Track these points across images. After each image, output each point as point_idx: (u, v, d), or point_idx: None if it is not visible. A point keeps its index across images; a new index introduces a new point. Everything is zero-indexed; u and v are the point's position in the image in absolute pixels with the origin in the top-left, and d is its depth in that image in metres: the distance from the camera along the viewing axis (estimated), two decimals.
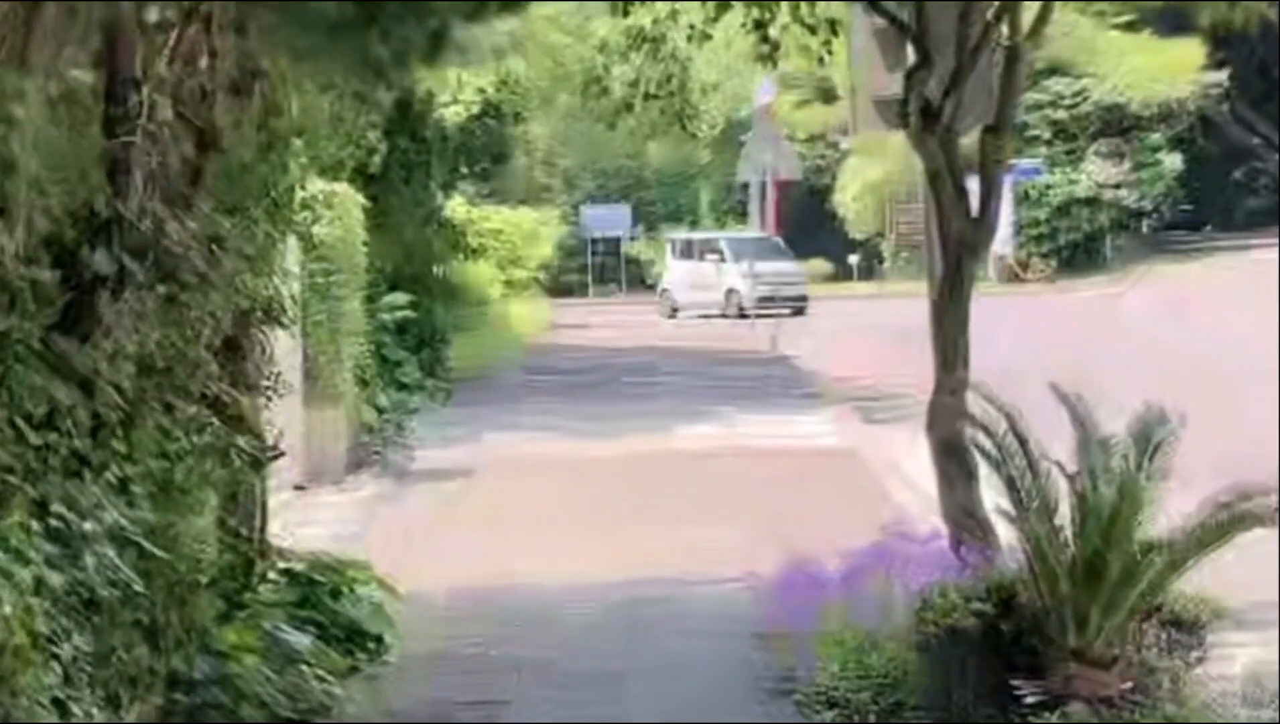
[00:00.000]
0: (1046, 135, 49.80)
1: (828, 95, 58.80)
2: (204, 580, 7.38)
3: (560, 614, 10.07)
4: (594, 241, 51.69)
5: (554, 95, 20.58)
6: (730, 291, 39.85)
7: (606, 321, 37.42)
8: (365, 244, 17.05)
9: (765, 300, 36.94)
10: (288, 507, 14.53)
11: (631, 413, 19.69)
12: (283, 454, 9.12)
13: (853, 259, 53.59)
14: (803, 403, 20.70)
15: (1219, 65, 50.50)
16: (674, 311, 40.95)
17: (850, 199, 54.82)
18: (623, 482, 15.48)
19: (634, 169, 56.36)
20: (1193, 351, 21.70)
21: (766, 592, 9.05)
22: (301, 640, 7.66)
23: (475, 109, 21.31)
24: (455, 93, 21.50)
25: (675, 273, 43.04)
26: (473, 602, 10.34)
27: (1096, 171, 49.23)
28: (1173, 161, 50.77)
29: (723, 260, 41.18)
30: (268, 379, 9.13)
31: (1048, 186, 49.46)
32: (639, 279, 52.86)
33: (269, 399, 9.14)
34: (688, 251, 43.84)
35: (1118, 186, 49.70)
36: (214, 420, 8.08)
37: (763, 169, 19.63)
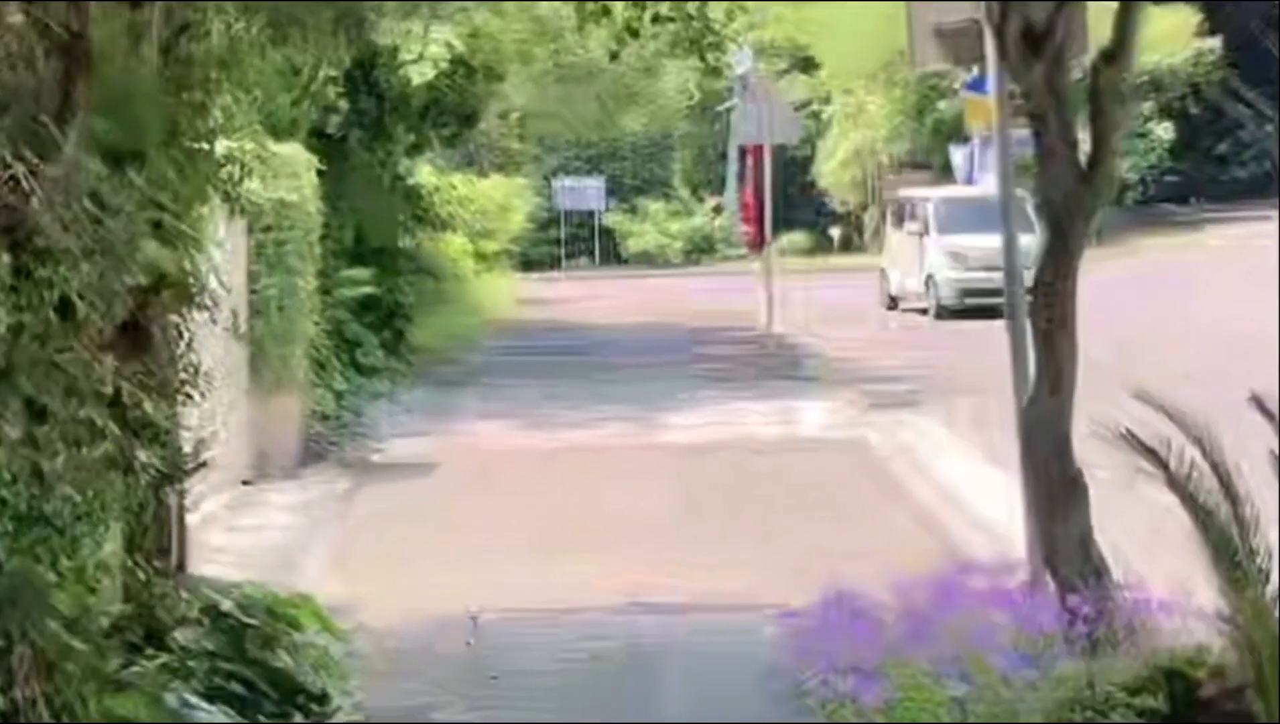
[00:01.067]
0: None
1: (807, 64, 57.29)
2: (82, 638, 5.67)
3: (541, 659, 8.35)
4: (567, 213, 49.96)
5: (530, 51, 18.75)
6: (929, 279, 27.79)
7: (580, 295, 35.69)
8: (321, 212, 15.29)
9: (971, 293, 24.67)
10: (229, 509, 12.84)
11: (613, 397, 17.97)
12: (203, 466, 7.36)
13: (834, 231, 52.13)
14: (801, 386, 18.98)
15: (1210, 33, 48.98)
16: (892, 302, 29.43)
17: (832, 169, 53.30)
18: (606, 481, 13.77)
19: (607, 139, 54.65)
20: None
21: (803, 633, 7.31)
22: (214, 718, 5.93)
23: (443, 65, 19.48)
24: (421, 47, 19.68)
25: (893, 247, 31.43)
26: (438, 638, 8.60)
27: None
28: (1164, 131, 49.19)
29: (924, 232, 29.11)
30: (185, 372, 7.37)
31: (1036, 156, 47.72)
32: (613, 251, 51.18)
33: (188, 397, 7.39)
34: (905, 215, 31.62)
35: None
36: (110, 427, 6.39)
37: (760, 131, 17.94)
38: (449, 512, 12.73)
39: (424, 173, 24.78)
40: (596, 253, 50.75)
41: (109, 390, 6.39)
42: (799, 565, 9.32)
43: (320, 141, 17.43)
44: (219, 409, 14.24)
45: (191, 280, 6.82)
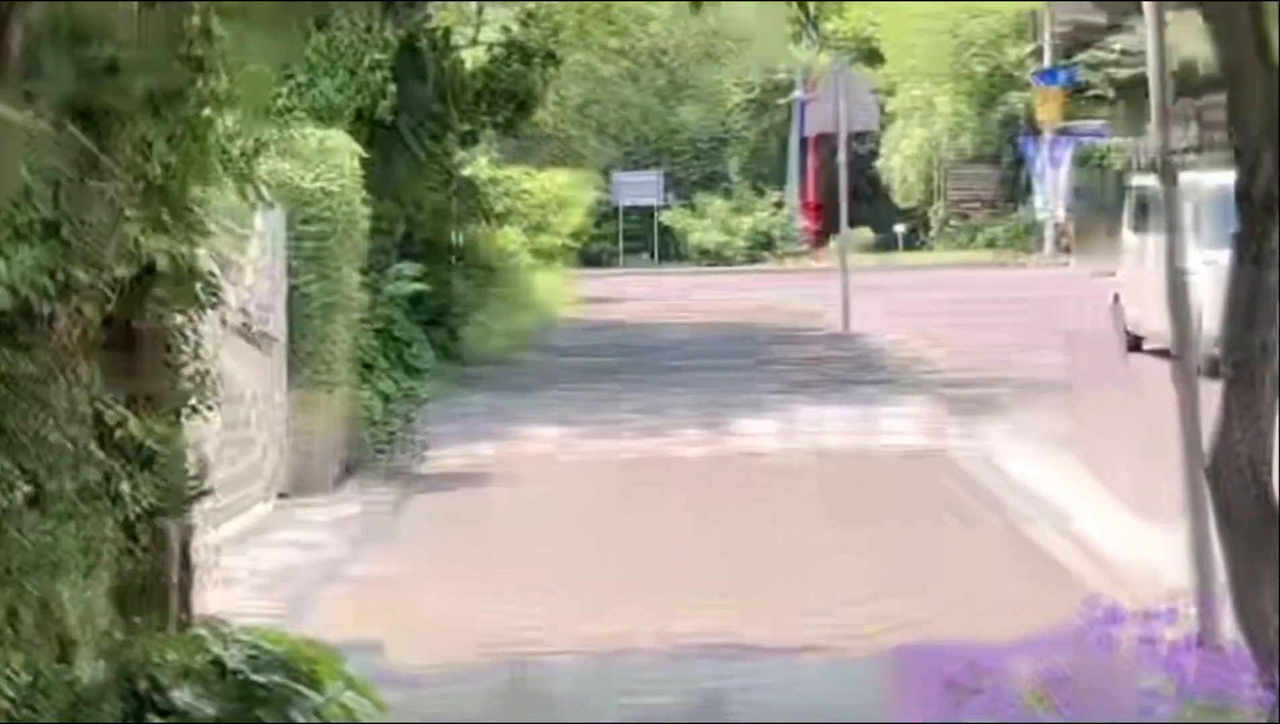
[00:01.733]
0: (1110, 95, 46.71)
1: (871, 56, 55.96)
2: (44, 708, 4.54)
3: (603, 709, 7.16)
4: (625, 209, 48.86)
5: (589, 32, 17.58)
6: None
7: (641, 293, 34.54)
8: (366, 203, 14.16)
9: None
10: (259, 529, 11.72)
11: (678, 404, 16.78)
12: (205, 494, 6.20)
13: (899, 229, 50.93)
14: (877, 391, 17.74)
15: None
16: (1134, 342, 19.96)
17: (895, 165, 52.04)
18: (671, 496, 12.58)
19: (666, 131, 53.50)
20: None
21: (919, 692, 6.07)
22: None
23: (498, 49, 18.33)
24: (475, 30, 18.53)
25: (1132, 260, 21.14)
26: (484, 692, 7.43)
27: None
28: None
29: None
30: (192, 381, 6.22)
31: (1108, 149, 46.33)
32: (673, 248, 50.04)
33: (191, 411, 6.23)
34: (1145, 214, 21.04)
35: (1186, 151, 46.42)
36: (88, 451, 5.28)
37: (836, 118, 16.62)
38: (504, 532, 11.57)
39: (479, 164, 23.71)
40: (655, 249, 49.63)
41: (86, 407, 5.28)
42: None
43: (368, 128, 16.34)
44: (254, 415, 13.23)
45: (190, 272, 5.65)
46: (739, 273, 45.04)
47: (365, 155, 14.59)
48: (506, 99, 18.67)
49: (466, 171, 20.23)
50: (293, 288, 13.47)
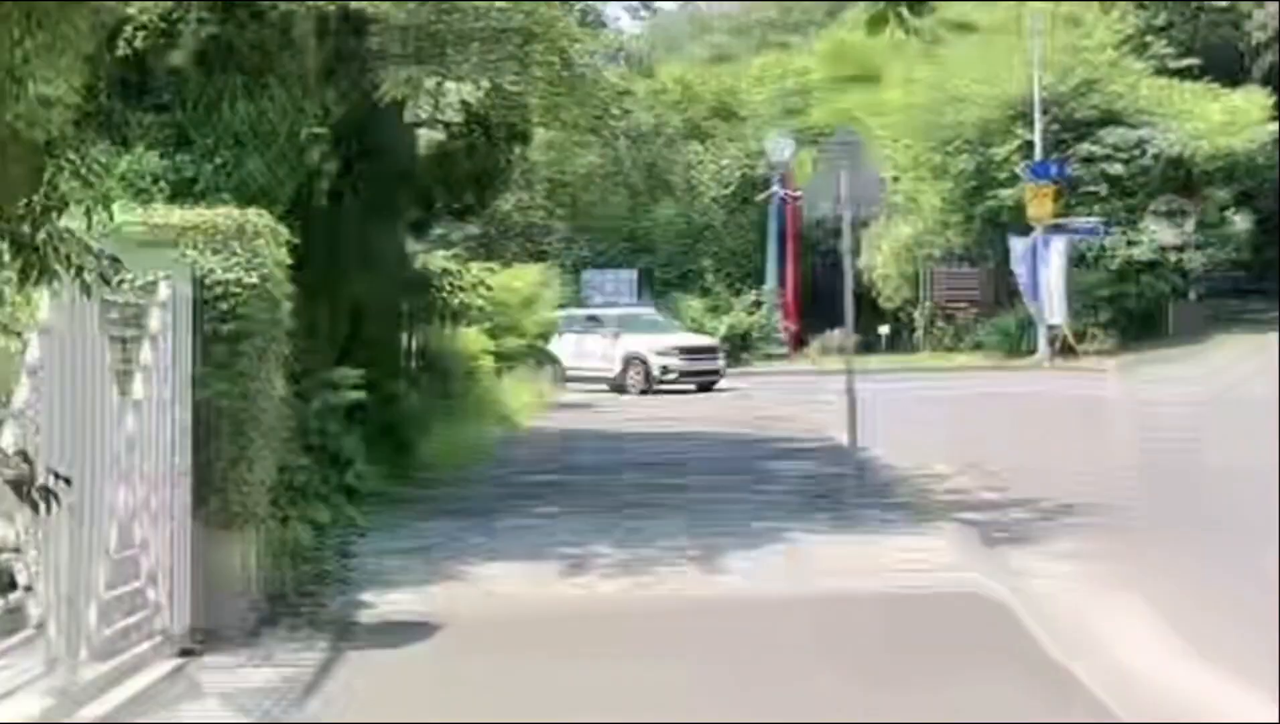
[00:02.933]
0: (1103, 191, 44.88)
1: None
2: None
3: None
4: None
5: (560, 108, 15.32)
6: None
7: (614, 399, 32.18)
8: (293, 298, 11.77)
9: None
10: (147, 699, 9.28)
11: (662, 533, 14.33)
12: None
13: (882, 330, 48.93)
14: (892, 516, 15.35)
15: None
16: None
17: (877, 263, 50.03)
18: (661, 660, 10.14)
19: (638, 229, 51.43)
20: None
21: None
22: None
23: (456, 127, 16.02)
24: (433, 102, 16.23)
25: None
26: None
27: (1158, 232, 44.03)
28: (1243, 221, 45.71)
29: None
30: None
31: (1103, 249, 44.39)
32: None
33: None
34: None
35: (1181, 249, 44.54)
36: None
37: (840, 199, 14.49)
38: (451, 701, 9.13)
39: (435, 257, 21.40)
40: None
41: None
42: None
43: (302, 212, 14.00)
44: (150, 556, 10.80)
45: None
46: None
47: (296, 241, 12.24)
48: (466, 181, 16.31)
49: (417, 263, 17.84)
50: (200, 402, 11.06)
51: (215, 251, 11.31)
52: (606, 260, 49.98)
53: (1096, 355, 42.12)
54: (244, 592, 11.55)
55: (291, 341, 12.72)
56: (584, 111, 15.72)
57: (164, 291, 10.63)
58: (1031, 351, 44.12)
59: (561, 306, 38.71)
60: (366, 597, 12.38)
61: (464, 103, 16.74)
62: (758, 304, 50.52)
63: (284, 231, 11.85)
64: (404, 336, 17.77)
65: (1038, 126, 44.43)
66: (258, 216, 11.57)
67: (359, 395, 14.05)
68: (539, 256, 38.05)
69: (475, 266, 25.04)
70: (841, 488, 16.44)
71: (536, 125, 17.40)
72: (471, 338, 25.16)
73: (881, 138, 46.87)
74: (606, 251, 50.54)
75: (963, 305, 47.59)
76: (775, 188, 51.61)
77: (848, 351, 16.27)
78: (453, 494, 16.40)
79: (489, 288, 21.60)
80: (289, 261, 11.88)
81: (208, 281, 11.22)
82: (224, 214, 11.49)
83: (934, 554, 13.61)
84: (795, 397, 30.36)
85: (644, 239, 51.40)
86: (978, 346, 46.76)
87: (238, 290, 11.28)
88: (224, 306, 11.26)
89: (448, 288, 19.15)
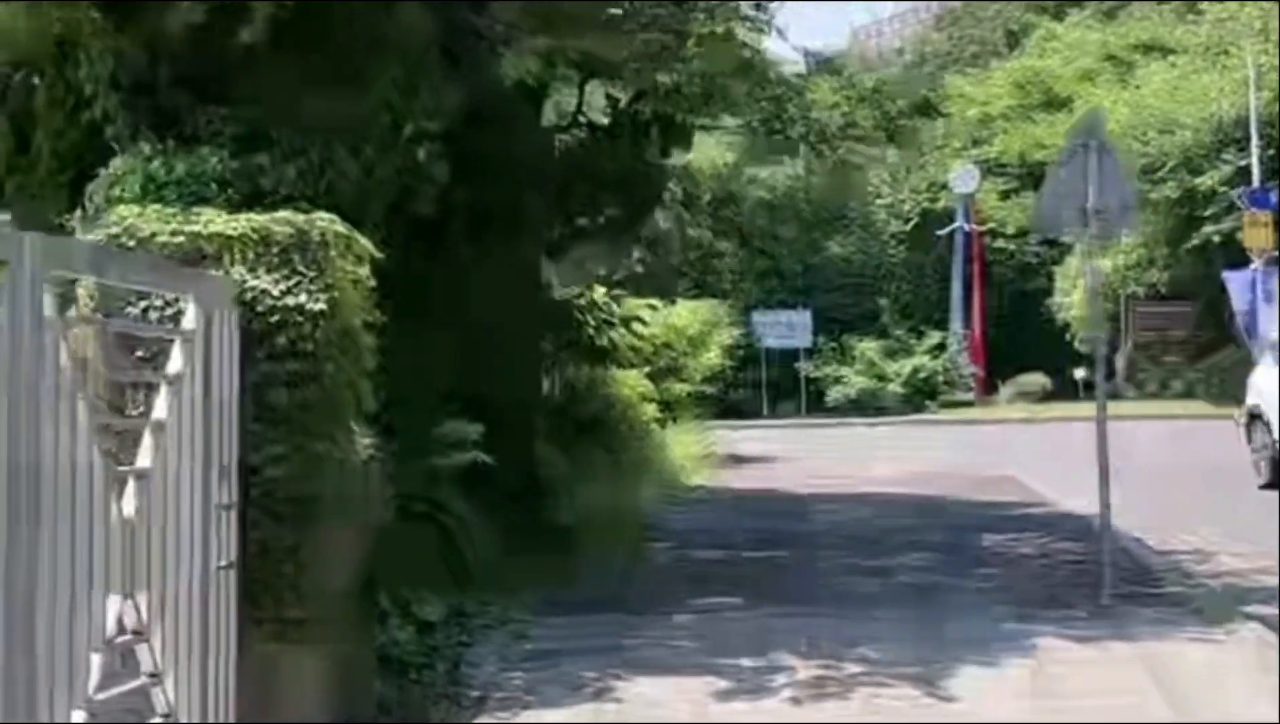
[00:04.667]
0: None
1: (1038, 180, 50.35)
2: None
3: None
4: (768, 352, 43.57)
5: (722, 98, 12.16)
6: None
7: (790, 452, 28.90)
8: (373, 327, 8.77)
9: None
10: None
11: (867, 638, 11.01)
12: None
13: (1078, 373, 45.18)
14: (1150, 608, 11.90)
15: None
16: None
17: (1073, 302, 46.27)
18: None
19: (810, 265, 48.19)
20: None
21: None
22: None
23: (603, 121, 12.93)
24: (578, 99, 13.16)
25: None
26: None
27: None
28: None
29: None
30: None
31: None
32: (818, 397, 44.51)
33: None
34: None
35: None
36: None
37: (1083, 209, 11.22)
38: None
39: (590, 292, 18.36)
40: (803, 400, 44.10)
41: None
42: None
43: (403, 224, 11.04)
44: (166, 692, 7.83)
45: None
46: (900, 422, 39.38)
47: (385, 258, 9.27)
48: (611, 188, 13.16)
49: (556, 292, 14.68)
50: (251, 468, 8.08)
51: (270, 269, 8.38)
52: (776, 300, 46.84)
53: None
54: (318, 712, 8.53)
55: (387, 385, 9.74)
56: (755, 104, 12.56)
57: (190, 319, 7.64)
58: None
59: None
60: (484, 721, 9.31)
61: (609, 98, 13.67)
62: (941, 346, 46.96)
63: (364, 242, 8.87)
64: (542, 381, 14.75)
65: (1254, 149, 40.43)
66: (328, 222, 8.58)
67: (474, 456, 10.95)
68: (702, 294, 34.93)
69: (634, 301, 21.98)
70: (1087, 572, 13.03)
71: (699, 123, 14.27)
72: (629, 382, 22.14)
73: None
74: (776, 291, 47.39)
75: (1168, 347, 43.56)
76: (959, 221, 48.12)
77: (1103, 403, 12.85)
78: (600, 578, 13.18)
79: (645, 323, 18.53)
80: (372, 282, 8.91)
81: (259, 308, 8.27)
82: (281, 219, 8.53)
83: (1226, 668, 10.21)
84: (994, 450, 26.94)
85: (816, 276, 48.18)
86: (1188, 393, 42.79)
87: (299, 319, 8.31)
88: (280, 341, 8.29)
89: (593, 323, 16.06)
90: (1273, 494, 18.38)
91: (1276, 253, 39.53)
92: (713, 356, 28.07)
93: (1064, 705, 9.24)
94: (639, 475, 18.55)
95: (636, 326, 18.41)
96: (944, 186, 49.07)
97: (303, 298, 8.29)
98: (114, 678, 6.61)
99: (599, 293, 17.29)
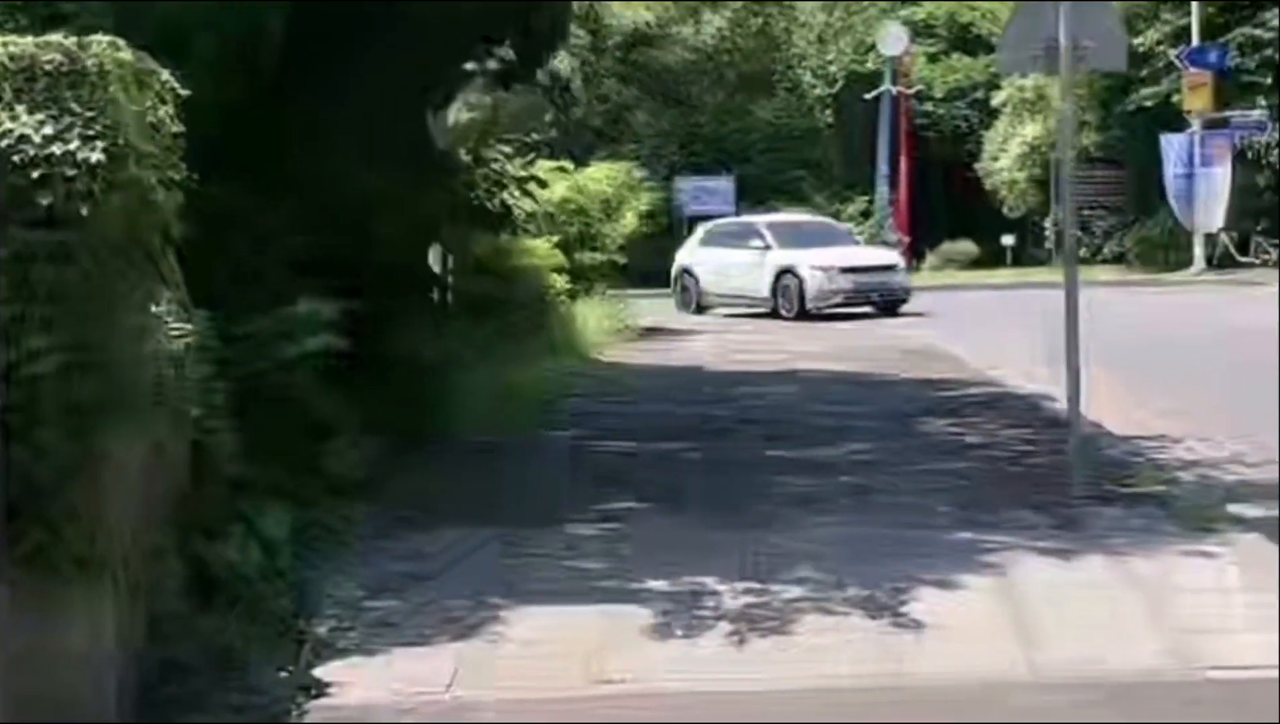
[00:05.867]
0: (1268, 81, 39.23)
1: (969, 44, 48.55)
2: None
3: None
4: (690, 219, 41.69)
5: None
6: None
7: (714, 324, 27.22)
8: (171, 185, 6.81)
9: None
10: None
11: (804, 545, 9.30)
12: None
13: (1007, 241, 43.99)
14: (1141, 520, 10.21)
15: None
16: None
17: (1001, 167, 44.89)
18: None
19: (732, 132, 46.31)
20: None
21: None
22: None
23: None
24: None
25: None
26: None
27: None
28: None
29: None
30: None
31: (1268, 146, 38.80)
32: None
33: None
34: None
35: None
36: None
37: (1049, 45, 9.66)
38: None
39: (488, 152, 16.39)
40: None
41: None
42: None
43: (246, 68, 9.07)
44: None
45: None
46: None
47: (216, 98, 7.33)
48: (509, 23, 11.10)
49: (442, 143, 12.64)
50: (9, 365, 6.21)
51: (32, 108, 6.47)
52: (696, 167, 45.03)
53: (1261, 267, 36.92)
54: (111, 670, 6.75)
55: (225, 259, 7.88)
56: None
57: None
58: (1182, 264, 38.88)
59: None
60: (337, 665, 7.56)
61: None
62: (865, 214, 45.36)
63: (164, 75, 6.96)
64: (428, 251, 12.84)
65: (1194, 8, 38.76)
66: (108, 46, 6.66)
67: (327, 340, 9.06)
68: (620, 158, 32.91)
69: (544, 163, 19.97)
70: (1048, 465, 11.38)
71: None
72: (539, 252, 20.29)
73: (1001, 31, 41.24)
74: (698, 156, 45.54)
75: (1100, 212, 42.12)
76: (887, 84, 46.31)
77: (1072, 268, 11.12)
78: (500, 462, 11.32)
79: (543, 185, 16.55)
80: (177, 127, 7.00)
81: (16, 159, 6.37)
82: (46, 44, 6.59)
83: (1226, 587, 8.61)
84: (924, 320, 25.39)
85: (740, 141, 46.36)
86: (1119, 258, 41.53)
87: (69, 171, 6.41)
88: (45, 202, 6.40)
89: (483, 185, 14.10)
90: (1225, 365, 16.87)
91: (1214, 116, 38.04)
92: (629, 223, 26.18)
93: (1042, 635, 7.59)
94: (541, 353, 16.74)
95: (534, 189, 16.50)
96: (871, 48, 47.20)
97: (74, 145, 6.40)
98: None
99: (492, 151, 15.32)
